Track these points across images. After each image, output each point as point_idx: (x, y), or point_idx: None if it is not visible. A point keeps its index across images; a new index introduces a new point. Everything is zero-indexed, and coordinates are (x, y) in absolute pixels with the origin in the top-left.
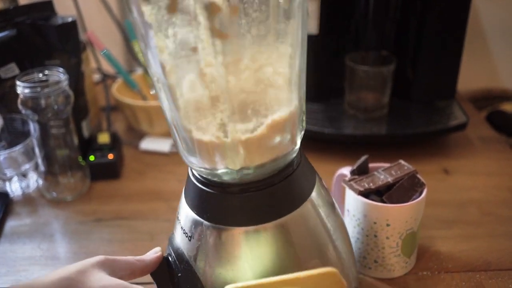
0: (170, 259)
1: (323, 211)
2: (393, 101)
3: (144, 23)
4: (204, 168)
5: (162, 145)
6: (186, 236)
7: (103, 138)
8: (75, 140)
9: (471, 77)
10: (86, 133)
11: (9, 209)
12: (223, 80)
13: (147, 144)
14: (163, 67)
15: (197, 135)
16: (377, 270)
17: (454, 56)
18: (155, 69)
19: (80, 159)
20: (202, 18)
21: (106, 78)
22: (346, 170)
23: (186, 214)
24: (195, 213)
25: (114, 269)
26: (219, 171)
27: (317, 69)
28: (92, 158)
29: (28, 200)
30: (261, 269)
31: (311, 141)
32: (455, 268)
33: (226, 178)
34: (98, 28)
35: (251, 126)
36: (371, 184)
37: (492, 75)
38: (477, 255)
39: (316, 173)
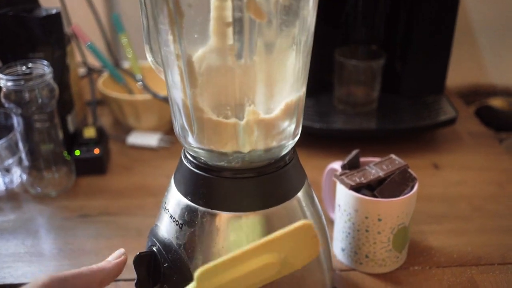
0: (155, 250)
1: (308, 211)
2: (382, 96)
3: None
4: (208, 150)
5: (149, 139)
6: (177, 224)
7: (89, 132)
8: (60, 135)
9: (459, 72)
10: (71, 127)
11: None
12: (248, 59)
13: (134, 138)
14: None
15: (210, 115)
16: (368, 265)
17: (443, 51)
18: (172, 44)
19: (65, 153)
20: None
21: (92, 72)
22: (336, 165)
23: (177, 202)
24: (189, 200)
25: None
26: (226, 153)
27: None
28: (77, 152)
29: (11, 195)
30: None
31: (301, 135)
32: (446, 263)
33: (231, 161)
34: (83, 22)
35: (267, 107)
36: (363, 179)
37: (481, 70)
38: (468, 250)
39: (306, 176)
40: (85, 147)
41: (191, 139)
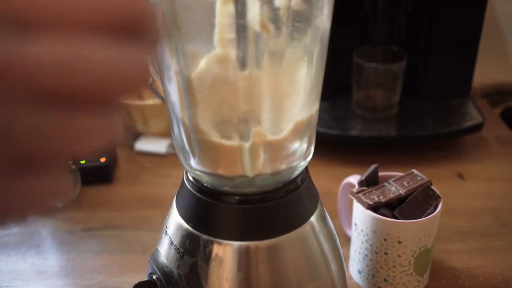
0: (154, 278)
1: (321, 236)
2: (404, 99)
3: None
4: (211, 174)
5: (158, 145)
6: (178, 252)
7: None
8: None
9: (483, 70)
10: None
11: None
12: (253, 70)
13: (143, 144)
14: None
15: (212, 136)
16: None
17: (470, 51)
18: (169, 58)
19: (71, 165)
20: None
21: None
22: (353, 179)
23: (178, 227)
24: (191, 226)
25: None
26: (230, 177)
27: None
28: (82, 161)
29: None
30: None
31: (316, 142)
32: (472, 286)
33: (236, 185)
34: None
35: (274, 127)
36: (381, 197)
37: (507, 68)
38: (496, 272)
39: (319, 196)
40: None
41: (192, 161)
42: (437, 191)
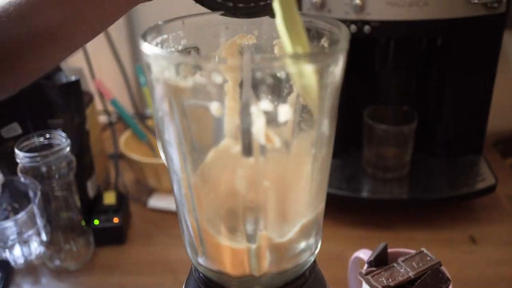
0: None
1: None
2: (415, 155)
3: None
4: (217, 272)
5: (171, 203)
6: None
7: (109, 198)
8: (78, 203)
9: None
10: (91, 192)
11: (10, 280)
12: (261, 167)
13: (156, 202)
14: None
15: (218, 239)
16: None
17: (482, 108)
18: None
19: (83, 223)
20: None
21: (114, 127)
22: (362, 254)
23: None
24: None
25: None
26: (237, 277)
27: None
28: (96, 222)
29: (30, 269)
30: None
31: (326, 202)
32: None
33: (243, 284)
34: (108, 73)
35: (280, 231)
36: (390, 280)
37: None
38: None
39: (326, 285)
40: (104, 215)
41: (199, 259)
42: (446, 273)
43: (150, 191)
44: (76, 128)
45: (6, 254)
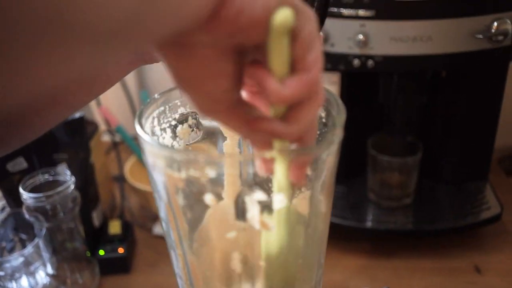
0: None
1: None
2: (420, 182)
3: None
4: None
5: None
6: None
7: (114, 228)
8: (82, 234)
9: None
10: (97, 222)
11: None
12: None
13: (160, 229)
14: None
15: None
16: None
17: (488, 137)
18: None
19: (88, 254)
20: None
21: (119, 152)
22: None
23: None
24: None
25: None
26: None
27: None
28: (102, 252)
29: None
30: None
31: (330, 231)
32: None
33: None
34: (113, 99)
35: None
36: None
37: None
38: None
39: None
40: (110, 245)
41: None
42: None
43: (155, 218)
44: (80, 162)
45: (13, 285)
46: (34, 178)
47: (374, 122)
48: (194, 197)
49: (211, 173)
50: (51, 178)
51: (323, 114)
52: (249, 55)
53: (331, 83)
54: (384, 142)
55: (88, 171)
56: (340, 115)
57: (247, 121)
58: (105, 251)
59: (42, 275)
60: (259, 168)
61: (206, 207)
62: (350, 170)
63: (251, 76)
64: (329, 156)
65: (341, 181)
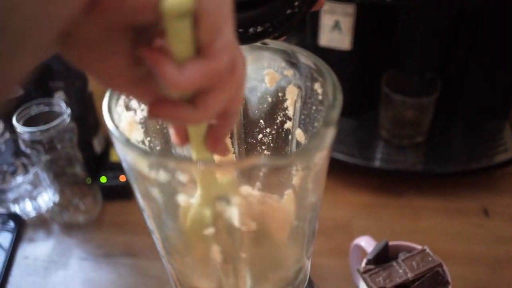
0: None
1: None
2: (435, 118)
3: None
4: None
5: None
6: None
7: (116, 155)
8: (81, 159)
9: None
10: (98, 148)
11: (22, 232)
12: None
13: None
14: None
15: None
16: None
17: (509, 74)
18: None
19: (88, 181)
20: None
21: None
22: (363, 241)
23: None
24: None
25: None
26: None
27: (351, 85)
28: (103, 179)
29: (41, 222)
30: None
31: (336, 168)
32: None
33: None
34: None
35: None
36: (387, 281)
37: None
38: None
39: None
40: (112, 172)
41: None
42: (447, 275)
43: None
44: (77, 91)
45: (18, 209)
46: (29, 109)
47: (390, 58)
48: (165, 194)
49: (181, 177)
50: (46, 109)
51: (319, 91)
52: (149, 31)
53: (345, 15)
54: (398, 79)
55: (86, 99)
56: (334, 109)
57: (152, 102)
58: (107, 178)
59: (46, 199)
60: (174, 139)
61: (178, 205)
62: (363, 105)
63: (146, 59)
64: (321, 152)
65: (352, 116)
